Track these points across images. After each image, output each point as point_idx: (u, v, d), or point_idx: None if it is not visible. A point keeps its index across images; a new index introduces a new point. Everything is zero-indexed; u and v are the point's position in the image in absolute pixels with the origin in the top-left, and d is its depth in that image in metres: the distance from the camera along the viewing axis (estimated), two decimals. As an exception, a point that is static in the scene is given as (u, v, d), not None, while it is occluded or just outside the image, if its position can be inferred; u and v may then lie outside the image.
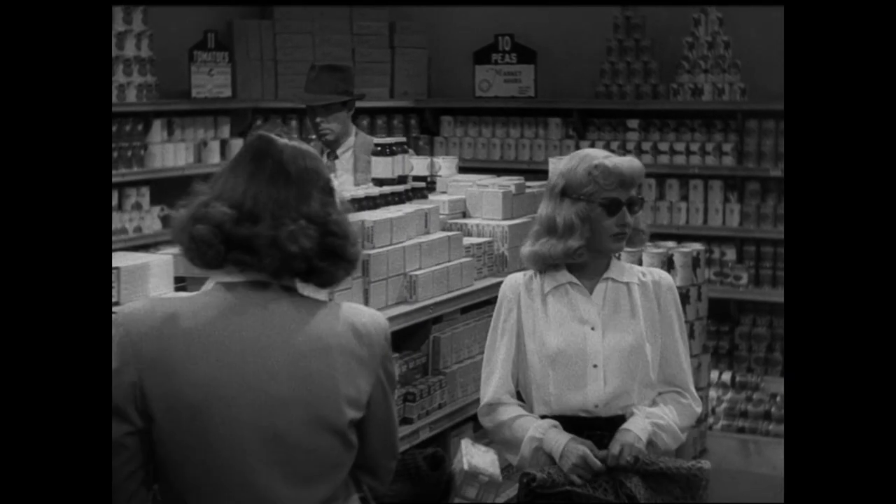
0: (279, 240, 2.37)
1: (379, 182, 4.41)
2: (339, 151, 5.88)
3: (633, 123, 7.87)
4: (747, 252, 7.60)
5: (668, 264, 5.07)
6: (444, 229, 4.39)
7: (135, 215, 7.28)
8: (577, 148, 7.75)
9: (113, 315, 2.46)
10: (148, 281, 2.91)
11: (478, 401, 4.27)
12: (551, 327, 3.38)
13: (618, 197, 3.34)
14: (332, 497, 2.44)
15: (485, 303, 4.36)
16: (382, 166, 4.41)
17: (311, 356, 2.39)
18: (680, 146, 7.69)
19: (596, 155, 3.41)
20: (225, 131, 8.09)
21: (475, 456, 3.28)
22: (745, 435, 7.01)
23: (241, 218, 2.38)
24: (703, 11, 7.66)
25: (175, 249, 2.90)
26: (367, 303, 3.70)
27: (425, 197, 4.55)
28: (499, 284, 4.37)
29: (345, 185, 5.43)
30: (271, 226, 2.38)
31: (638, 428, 3.30)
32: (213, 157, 7.89)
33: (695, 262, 5.15)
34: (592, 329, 3.36)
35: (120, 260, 2.92)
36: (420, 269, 4.00)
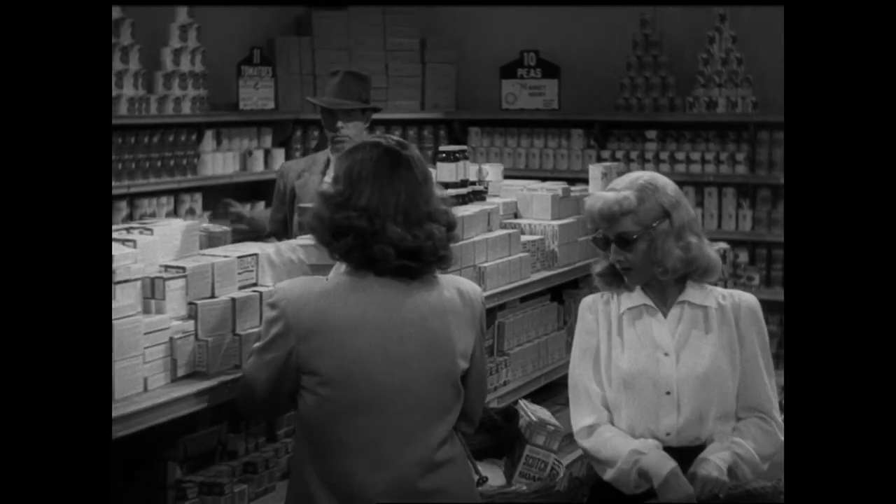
0: (399, 237, 2.88)
1: (444, 185, 4.92)
2: None
3: (652, 134, 8.39)
4: (759, 255, 8.14)
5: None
6: (501, 227, 4.90)
7: (188, 219, 7.78)
8: (599, 158, 8.32)
9: (272, 291, 2.97)
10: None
11: (537, 379, 4.83)
12: (625, 351, 3.31)
13: (603, 234, 3.32)
14: (445, 438, 2.95)
15: (539, 294, 4.88)
16: (447, 171, 4.92)
17: (432, 319, 2.92)
18: (695, 156, 8.21)
19: (610, 186, 3.41)
20: (267, 141, 8.59)
21: (537, 411, 3.77)
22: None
23: (369, 217, 2.89)
24: (717, 30, 8.20)
25: (306, 241, 3.42)
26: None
27: (483, 199, 5.06)
28: (550, 278, 4.94)
29: None
30: (402, 224, 2.88)
31: (718, 458, 3.20)
32: (258, 165, 8.40)
33: (722, 259, 5.66)
34: (666, 355, 3.27)
35: (253, 248, 3.42)
36: (487, 261, 4.51)
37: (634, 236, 3.26)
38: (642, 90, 8.46)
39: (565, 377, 4.30)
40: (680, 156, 8.25)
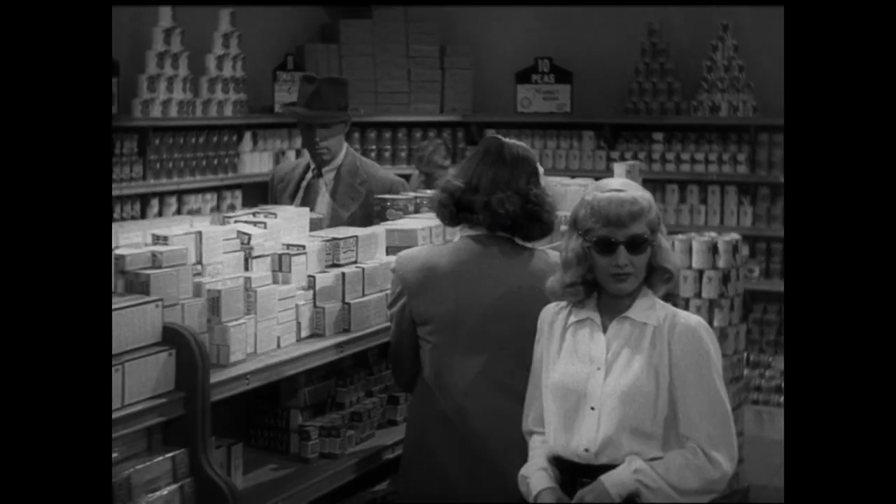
0: (491, 204, 3.46)
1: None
2: (324, 170, 5.26)
3: (658, 136, 8.99)
4: (759, 248, 8.73)
5: (713, 251, 6.17)
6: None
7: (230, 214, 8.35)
8: (609, 158, 8.92)
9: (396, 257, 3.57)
10: (377, 245, 3.98)
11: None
12: (560, 362, 3.18)
13: (608, 236, 3.04)
14: None
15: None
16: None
17: (523, 280, 3.50)
18: (700, 156, 8.82)
19: (600, 187, 3.16)
20: (298, 142, 9.12)
21: None
22: (759, 406, 8.07)
23: (467, 189, 3.49)
24: (720, 39, 8.79)
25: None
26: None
27: (524, 193, 5.63)
28: (585, 263, 5.49)
29: (318, 207, 5.13)
30: (486, 195, 3.47)
31: (613, 481, 3.01)
32: (290, 164, 8.95)
33: (734, 249, 6.24)
34: (598, 369, 3.11)
35: (352, 231, 3.98)
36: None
37: (647, 239, 3.09)
38: (650, 95, 9.05)
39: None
40: (685, 156, 8.84)
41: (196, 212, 7.91)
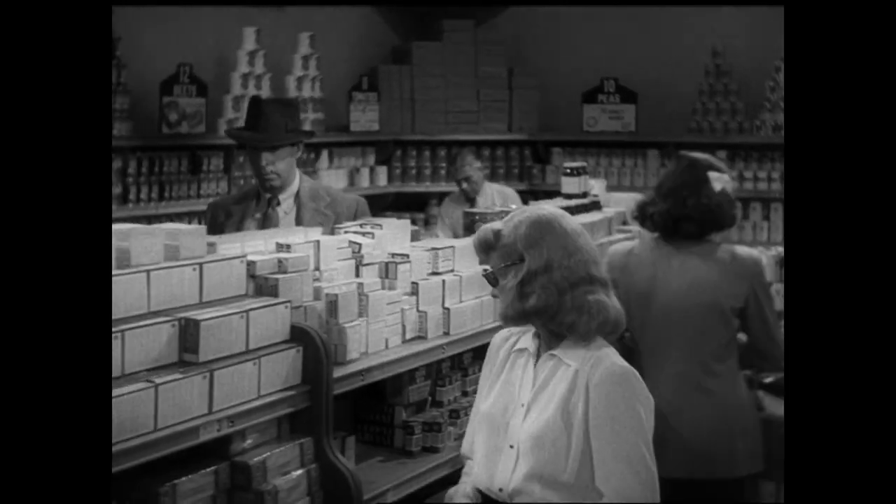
0: (671, 212, 4.22)
1: (568, 196, 5.78)
2: (281, 197, 4.90)
3: (722, 155, 9.19)
4: (821, 264, 8.93)
5: (781, 265, 6.41)
6: (617, 233, 5.74)
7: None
8: (673, 175, 9.17)
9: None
10: (473, 255, 4.27)
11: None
12: (494, 391, 3.15)
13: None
14: (718, 355, 4.18)
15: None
16: (571, 184, 5.78)
17: (708, 266, 4.18)
18: (762, 174, 9.05)
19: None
20: (371, 160, 9.49)
21: None
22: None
23: (655, 200, 4.35)
24: (783, 60, 9.03)
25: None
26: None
27: (600, 208, 5.91)
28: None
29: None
30: (669, 204, 4.24)
31: None
32: (364, 181, 9.29)
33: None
34: (522, 406, 3.04)
35: (450, 242, 4.28)
36: (612, 260, 5.36)
37: (493, 272, 3.12)
38: (713, 114, 9.29)
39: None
40: (748, 174, 9.08)
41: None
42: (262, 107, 4.93)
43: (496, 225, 3.14)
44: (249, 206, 4.92)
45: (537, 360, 3.11)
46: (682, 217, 4.26)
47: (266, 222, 4.88)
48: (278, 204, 4.90)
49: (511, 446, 3.04)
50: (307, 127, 8.57)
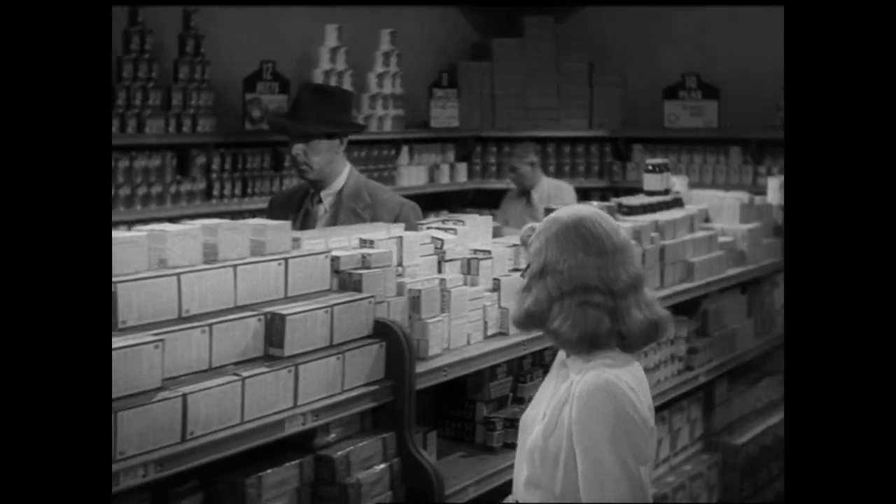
0: None
1: (650, 193, 5.75)
2: (323, 194, 4.68)
3: (806, 151, 9.10)
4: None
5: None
6: (699, 230, 5.70)
7: (388, 225, 8.74)
8: (756, 173, 9.07)
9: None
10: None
11: (729, 361, 5.61)
12: (531, 401, 3.12)
13: None
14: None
15: (734, 286, 5.69)
16: (654, 181, 5.75)
17: None
18: (847, 171, 8.91)
19: None
20: (451, 156, 9.52)
21: None
22: None
23: None
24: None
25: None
26: (661, 282, 5.01)
27: (682, 205, 5.87)
28: (741, 274, 5.71)
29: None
30: None
31: None
32: (444, 177, 9.32)
33: None
34: (542, 416, 2.94)
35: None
36: (694, 257, 5.31)
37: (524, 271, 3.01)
38: (797, 111, 9.16)
39: (752, 360, 5.06)
40: (832, 171, 8.95)
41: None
42: (303, 94, 4.74)
43: (536, 224, 3.06)
44: (296, 200, 4.75)
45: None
46: None
47: (306, 219, 4.69)
48: (320, 201, 4.69)
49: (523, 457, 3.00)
50: (389, 124, 8.63)
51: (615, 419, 2.75)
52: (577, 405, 2.78)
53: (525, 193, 8.17)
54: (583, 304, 2.85)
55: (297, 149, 4.58)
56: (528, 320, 2.96)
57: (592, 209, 3.00)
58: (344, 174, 4.71)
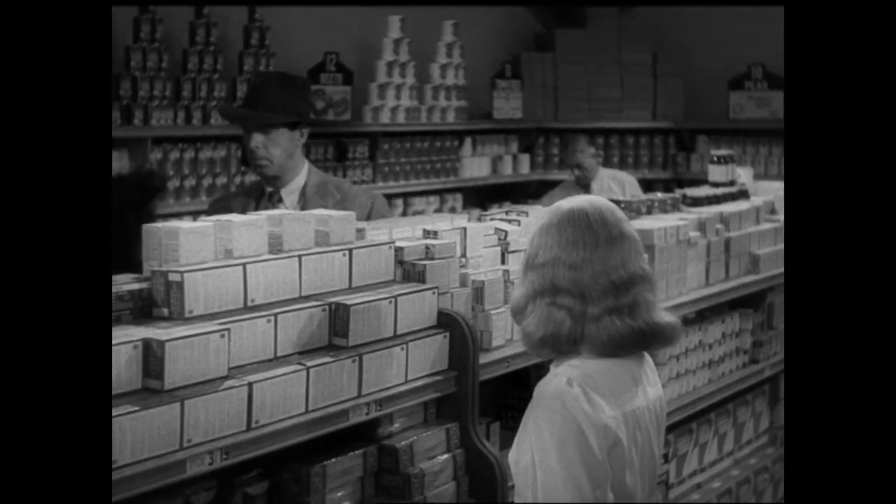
0: None
1: (715, 185, 5.70)
2: (283, 192, 4.35)
3: (874, 143, 8.99)
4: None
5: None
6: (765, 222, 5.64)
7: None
8: (822, 164, 8.95)
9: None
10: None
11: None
12: None
13: None
14: None
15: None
16: (719, 172, 5.70)
17: None
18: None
19: None
20: (514, 147, 9.51)
21: None
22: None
23: None
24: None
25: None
26: (726, 275, 4.96)
27: (748, 197, 5.81)
28: (807, 266, 5.64)
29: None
30: None
31: None
32: (507, 169, 9.32)
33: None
34: None
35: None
36: (759, 249, 5.26)
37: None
38: (865, 101, 9.05)
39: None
40: (901, 163, 8.82)
41: (420, 213, 8.32)
42: (260, 82, 4.39)
43: None
44: (250, 203, 4.34)
45: None
46: None
47: None
48: (280, 200, 4.32)
49: None
50: (452, 115, 8.62)
51: (549, 428, 2.58)
52: (530, 412, 2.65)
53: (585, 186, 8.11)
54: (551, 304, 2.66)
55: (257, 141, 4.21)
56: (513, 317, 2.82)
57: (591, 202, 2.74)
58: (304, 170, 4.38)
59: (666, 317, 2.73)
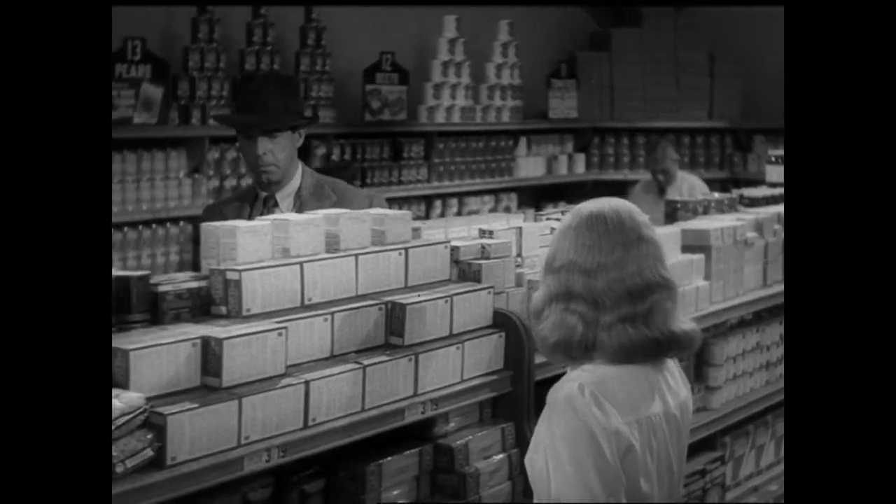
0: None
1: (773, 185, 5.66)
2: (278, 196, 4.12)
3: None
4: None
5: None
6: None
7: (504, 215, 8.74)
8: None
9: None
10: (675, 244, 4.23)
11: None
12: None
13: None
14: None
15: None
16: (777, 173, 5.67)
17: None
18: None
19: None
20: (569, 147, 9.48)
21: None
22: None
23: None
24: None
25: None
26: (765, 278, 4.87)
27: (805, 197, 5.76)
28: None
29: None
30: None
31: None
32: (562, 168, 9.29)
33: None
34: None
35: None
36: (817, 250, 5.21)
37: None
38: (926, 101, 8.93)
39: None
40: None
41: (475, 213, 8.33)
42: (257, 85, 4.16)
43: None
44: (244, 209, 4.14)
45: None
46: None
47: None
48: (275, 205, 4.11)
49: None
50: (507, 115, 8.62)
51: (558, 435, 2.54)
52: (541, 419, 2.61)
53: (662, 189, 7.96)
54: (565, 310, 2.62)
55: (265, 146, 3.99)
56: (531, 320, 2.79)
57: (612, 206, 2.68)
58: (299, 172, 4.16)
59: (684, 325, 2.67)
